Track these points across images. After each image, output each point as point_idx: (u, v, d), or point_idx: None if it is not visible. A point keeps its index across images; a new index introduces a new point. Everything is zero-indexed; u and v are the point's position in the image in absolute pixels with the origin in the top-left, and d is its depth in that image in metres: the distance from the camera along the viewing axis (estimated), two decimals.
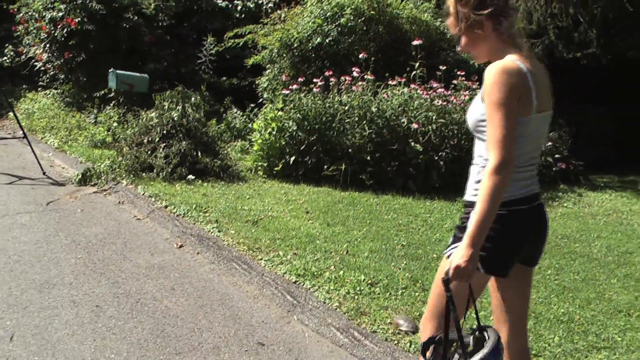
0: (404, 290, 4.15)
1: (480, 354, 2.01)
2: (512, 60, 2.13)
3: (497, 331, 2.17)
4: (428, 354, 2.17)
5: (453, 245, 2.24)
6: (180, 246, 5.07)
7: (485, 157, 2.18)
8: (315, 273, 4.41)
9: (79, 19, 10.29)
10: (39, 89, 12.87)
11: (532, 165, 2.27)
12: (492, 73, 2.10)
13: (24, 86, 13.65)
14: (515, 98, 2.08)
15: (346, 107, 7.35)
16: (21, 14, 11.71)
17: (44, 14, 10.73)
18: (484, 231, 2.03)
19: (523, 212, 2.22)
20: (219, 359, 3.33)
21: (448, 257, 2.24)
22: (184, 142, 7.20)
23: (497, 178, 2.01)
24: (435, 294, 2.32)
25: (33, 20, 11.26)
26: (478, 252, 2.04)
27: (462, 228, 2.22)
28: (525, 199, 2.23)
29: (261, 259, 4.69)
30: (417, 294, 4.14)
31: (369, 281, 4.28)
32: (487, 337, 2.09)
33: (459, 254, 2.04)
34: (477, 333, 2.12)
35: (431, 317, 2.33)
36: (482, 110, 2.16)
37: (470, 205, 2.22)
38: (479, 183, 2.13)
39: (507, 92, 2.06)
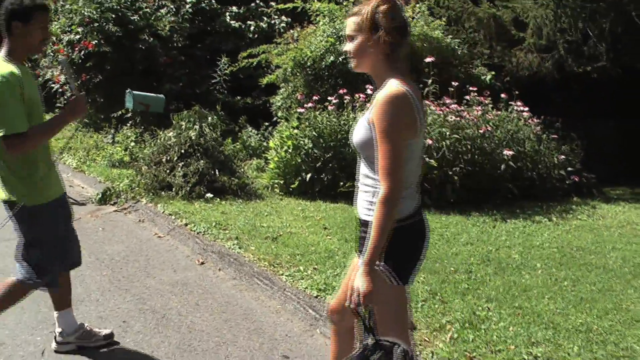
0: (423, 303, 4.22)
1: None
2: (398, 85, 2.20)
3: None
4: None
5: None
6: (202, 263, 5.17)
7: (377, 178, 2.24)
8: (336, 287, 4.47)
9: (96, 41, 10.50)
10: (56, 110, 13.09)
11: (417, 181, 2.39)
12: (383, 102, 2.17)
13: None
14: (404, 124, 2.18)
15: None
16: None
17: (61, 37, 10.96)
18: (378, 255, 2.17)
19: (418, 223, 2.37)
20: None
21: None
22: (202, 161, 7.32)
23: (389, 208, 2.15)
24: (382, 310, 2.32)
25: (51, 44, 11.48)
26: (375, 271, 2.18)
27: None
28: (418, 211, 2.36)
29: (282, 275, 4.78)
30: (436, 306, 4.20)
31: None
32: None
33: (363, 282, 2.15)
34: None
35: (390, 329, 2.33)
36: (370, 134, 2.24)
37: (366, 224, 2.30)
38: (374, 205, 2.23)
39: (396, 121, 2.15)
